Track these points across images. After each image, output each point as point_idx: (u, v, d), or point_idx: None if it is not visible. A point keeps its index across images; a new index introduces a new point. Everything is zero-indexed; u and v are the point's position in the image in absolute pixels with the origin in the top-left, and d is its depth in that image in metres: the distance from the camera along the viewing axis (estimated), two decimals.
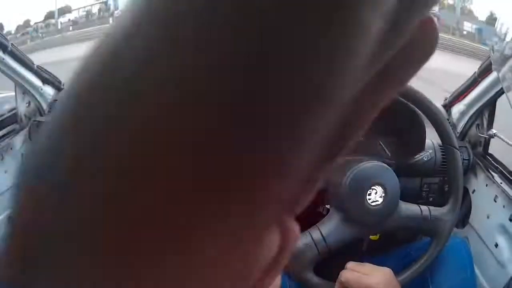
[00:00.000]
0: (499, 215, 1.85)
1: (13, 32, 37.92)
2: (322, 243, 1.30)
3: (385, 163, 1.41)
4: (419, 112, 1.47)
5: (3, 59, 2.12)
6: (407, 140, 1.61)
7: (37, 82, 2.39)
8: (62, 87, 2.57)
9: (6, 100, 3.60)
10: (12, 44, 2.16)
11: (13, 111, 2.56)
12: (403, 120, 1.55)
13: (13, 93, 3.79)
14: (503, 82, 1.45)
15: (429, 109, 1.41)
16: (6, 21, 44.53)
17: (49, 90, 2.48)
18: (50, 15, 45.86)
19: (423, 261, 1.47)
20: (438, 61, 17.71)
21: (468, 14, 35.35)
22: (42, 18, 45.09)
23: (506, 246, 1.82)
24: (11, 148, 2.34)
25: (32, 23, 44.66)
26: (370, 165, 1.36)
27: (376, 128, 1.61)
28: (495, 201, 1.87)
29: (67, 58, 15.86)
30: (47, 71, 2.45)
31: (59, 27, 43.01)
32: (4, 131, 2.40)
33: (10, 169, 2.29)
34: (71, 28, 41.58)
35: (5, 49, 2.11)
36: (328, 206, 1.41)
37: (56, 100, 2.50)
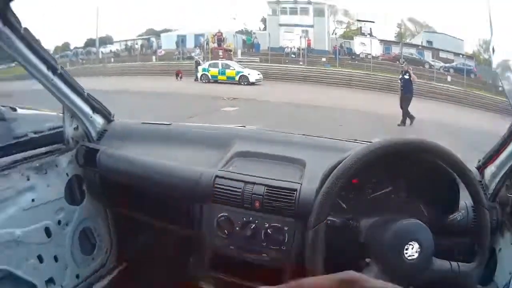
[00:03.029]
0: None
1: (51, 52, 37.32)
2: None
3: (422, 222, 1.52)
4: (454, 175, 1.58)
5: (52, 79, 2.27)
6: (443, 201, 1.69)
7: (87, 109, 2.57)
8: (112, 118, 2.78)
9: (47, 118, 3.82)
10: (62, 67, 2.31)
11: (57, 130, 2.70)
12: (440, 183, 1.65)
13: (53, 113, 3.91)
14: None
15: (463, 171, 1.54)
16: (44, 40, 43.80)
17: (98, 119, 2.68)
18: (90, 43, 45.54)
19: None
20: (473, 119, 17.63)
21: None
22: (82, 44, 44.94)
23: None
24: (56, 166, 2.48)
25: (71, 47, 44.29)
26: (409, 222, 1.49)
27: (416, 190, 1.73)
28: None
29: (108, 89, 16.14)
30: (97, 100, 2.64)
31: (100, 56, 43.29)
32: (49, 147, 2.54)
33: (52, 184, 2.44)
34: (112, 60, 42.09)
35: (54, 71, 2.26)
36: (367, 260, 1.51)
37: (107, 130, 2.69)
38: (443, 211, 1.68)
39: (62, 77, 2.29)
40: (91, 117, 2.60)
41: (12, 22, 1.90)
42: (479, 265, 1.60)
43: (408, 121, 14.39)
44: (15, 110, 4.94)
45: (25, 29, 1.98)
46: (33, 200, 2.29)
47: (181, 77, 31.82)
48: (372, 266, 1.47)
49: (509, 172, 1.98)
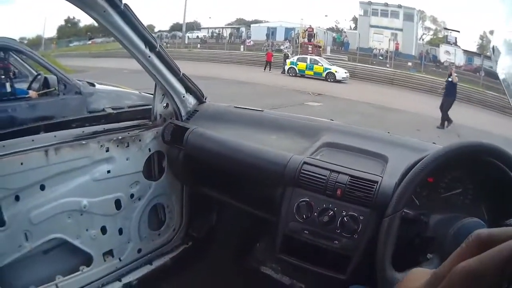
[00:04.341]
0: None
1: None
2: None
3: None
4: None
5: (149, 56, 2.34)
6: (503, 205, 1.67)
7: (180, 88, 2.64)
8: (204, 100, 2.86)
9: (128, 97, 4.37)
10: (160, 45, 2.38)
11: (143, 107, 2.87)
12: (503, 188, 1.65)
13: (135, 91, 4.26)
14: None
15: None
16: None
17: (190, 99, 2.75)
18: (176, 27, 47.26)
19: None
20: None
21: None
22: (167, 28, 46.04)
23: None
24: (140, 140, 2.56)
25: (156, 29, 45.41)
26: (471, 221, 1.56)
27: (481, 193, 1.75)
28: None
29: (193, 74, 16.60)
30: (192, 81, 2.71)
31: (186, 41, 43.98)
32: (134, 122, 2.62)
33: (132, 157, 2.54)
34: (199, 45, 42.18)
35: (152, 48, 2.33)
36: (429, 256, 1.60)
37: (197, 111, 2.77)
38: (501, 214, 1.67)
39: (159, 54, 2.39)
40: (183, 96, 2.69)
41: None
42: None
43: (446, 124, 13.91)
44: (93, 85, 5.97)
45: (125, 5, 2.10)
46: (108, 171, 2.45)
47: (270, 68, 32.01)
48: (434, 259, 1.56)
49: None
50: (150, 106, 2.77)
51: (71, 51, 42.76)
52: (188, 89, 2.71)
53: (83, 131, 2.36)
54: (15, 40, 6.52)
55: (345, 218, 1.88)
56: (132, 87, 5.69)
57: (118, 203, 2.54)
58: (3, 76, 5.55)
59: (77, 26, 52.72)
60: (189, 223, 3.04)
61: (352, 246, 1.90)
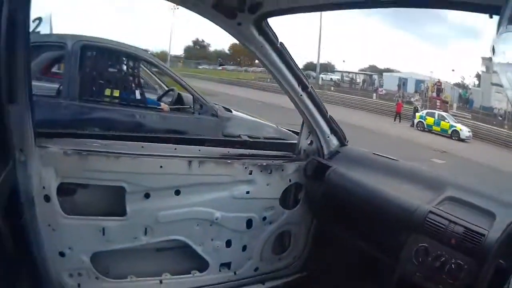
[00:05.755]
0: None
1: None
2: None
3: None
4: None
5: (301, 95, 2.58)
6: None
7: (326, 129, 2.82)
8: (345, 143, 3.00)
9: (264, 128, 5.28)
10: (311, 86, 2.62)
11: (285, 141, 3.27)
12: None
13: (272, 124, 5.33)
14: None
15: None
16: None
17: (334, 140, 2.90)
18: (310, 67, 47.44)
19: None
20: None
21: None
22: (301, 66, 44.89)
23: None
24: (283, 170, 2.76)
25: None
26: None
27: None
28: None
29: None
30: (337, 123, 2.92)
31: (320, 82, 43.45)
32: (279, 153, 2.90)
33: (273, 184, 2.73)
34: (332, 88, 41.94)
35: (304, 88, 2.58)
36: None
37: (339, 152, 2.91)
38: None
39: (310, 94, 2.58)
40: (328, 136, 2.82)
41: (267, 33, 2.29)
42: None
43: None
44: (229, 111, 6.22)
45: (281, 43, 2.34)
46: (247, 192, 2.61)
47: (400, 119, 33.38)
48: None
49: None
50: (291, 141, 3.12)
51: (199, 73, 47.74)
52: (332, 130, 2.86)
53: (228, 151, 2.64)
54: (147, 51, 7.76)
55: (452, 265, 1.96)
56: (266, 120, 6.27)
57: (249, 223, 2.70)
58: (133, 84, 5.68)
59: (206, 50, 55.57)
60: (309, 255, 3.08)
61: None
